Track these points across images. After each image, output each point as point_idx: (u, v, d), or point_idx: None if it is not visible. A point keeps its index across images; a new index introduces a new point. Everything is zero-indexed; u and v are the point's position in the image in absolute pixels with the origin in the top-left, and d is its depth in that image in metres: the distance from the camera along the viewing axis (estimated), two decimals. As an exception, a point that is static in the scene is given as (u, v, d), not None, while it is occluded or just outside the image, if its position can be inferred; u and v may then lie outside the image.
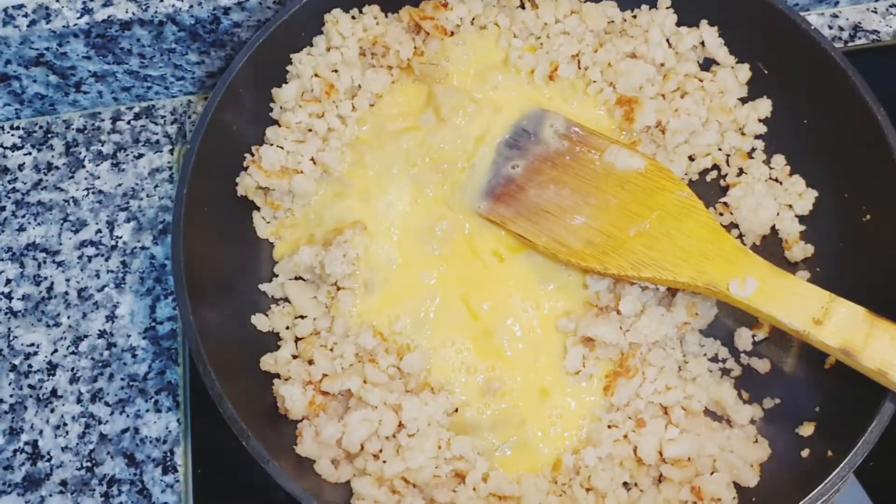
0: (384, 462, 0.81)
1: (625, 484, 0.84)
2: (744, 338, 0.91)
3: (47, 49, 1.01)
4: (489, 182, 0.94)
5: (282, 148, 0.95)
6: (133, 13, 0.99)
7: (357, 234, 0.91)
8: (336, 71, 0.98)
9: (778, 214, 0.96)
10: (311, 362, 0.86)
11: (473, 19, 1.03)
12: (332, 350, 0.87)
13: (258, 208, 0.96)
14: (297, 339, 0.90)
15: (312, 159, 0.95)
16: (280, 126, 0.96)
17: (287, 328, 0.90)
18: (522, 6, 1.03)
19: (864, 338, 0.76)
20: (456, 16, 1.01)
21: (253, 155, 0.93)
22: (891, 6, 1.20)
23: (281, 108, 0.97)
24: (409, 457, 0.81)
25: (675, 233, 0.87)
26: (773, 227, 0.96)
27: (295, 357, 0.88)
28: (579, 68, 1.00)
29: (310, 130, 0.96)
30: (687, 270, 0.84)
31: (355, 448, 0.82)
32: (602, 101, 0.99)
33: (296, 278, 0.93)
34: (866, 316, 0.78)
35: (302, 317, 0.91)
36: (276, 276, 0.94)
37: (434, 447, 0.82)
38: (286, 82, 0.98)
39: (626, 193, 0.90)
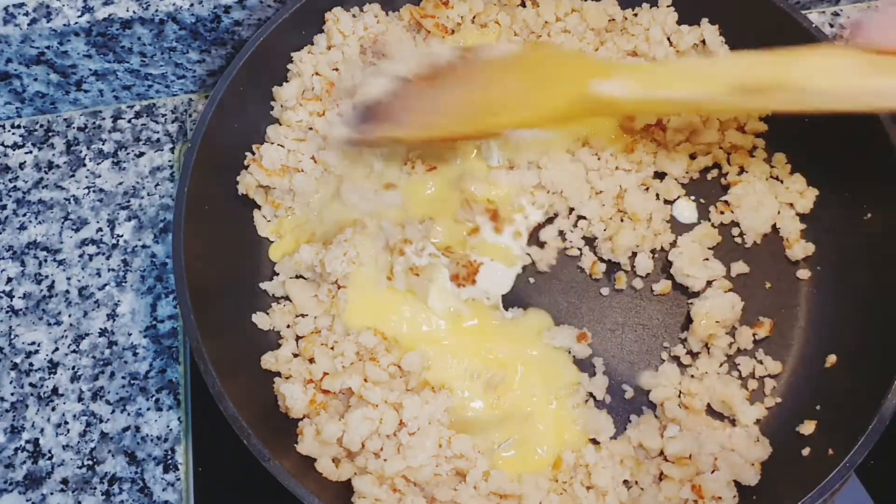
0: (385, 460, 0.81)
1: (625, 482, 0.85)
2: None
3: (48, 47, 1.01)
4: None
5: (282, 146, 0.95)
6: (134, 11, 0.99)
7: (358, 232, 0.91)
8: (336, 69, 0.98)
9: (779, 213, 0.96)
10: (311, 361, 0.86)
11: (474, 18, 1.02)
12: (332, 349, 0.87)
13: (259, 207, 0.96)
14: (297, 338, 0.90)
15: (313, 157, 0.95)
16: (281, 124, 0.96)
17: (288, 326, 0.90)
18: (523, 4, 1.03)
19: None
20: (457, 14, 1.01)
21: (254, 154, 0.94)
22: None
23: (282, 106, 0.97)
24: (409, 455, 0.81)
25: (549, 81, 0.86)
26: (773, 226, 0.96)
27: (296, 356, 0.88)
28: None
29: (310, 129, 0.96)
30: (558, 99, 0.84)
31: (356, 447, 0.82)
32: None
33: (296, 277, 0.93)
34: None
35: (303, 315, 0.91)
36: (277, 274, 0.94)
37: (435, 445, 0.82)
38: (287, 81, 0.98)
39: (506, 76, 0.88)
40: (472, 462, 0.83)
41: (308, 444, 0.82)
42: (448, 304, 0.90)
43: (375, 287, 0.90)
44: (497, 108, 0.85)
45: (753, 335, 0.91)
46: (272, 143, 0.95)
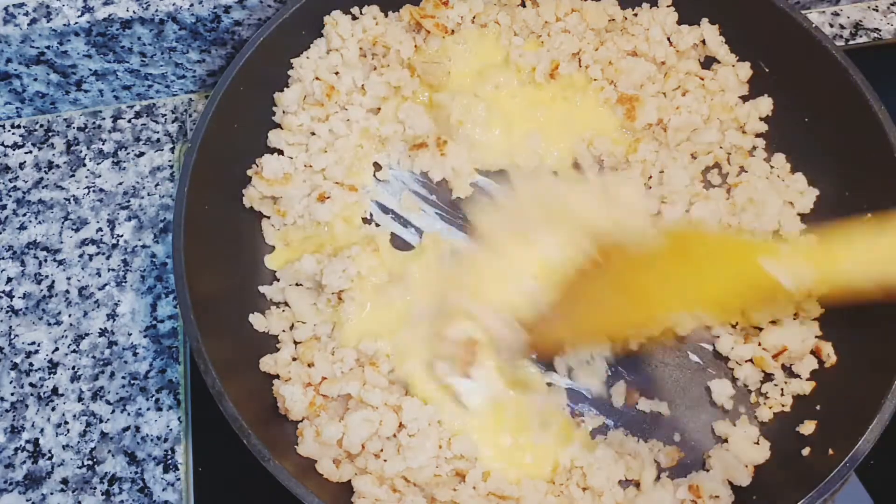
0: (385, 461, 0.81)
1: (621, 482, 0.84)
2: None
3: (48, 47, 1.01)
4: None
5: (283, 153, 0.95)
6: (134, 11, 0.99)
7: (365, 252, 0.91)
8: (337, 73, 0.98)
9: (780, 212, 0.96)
10: (310, 365, 0.86)
11: (474, 18, 1.03)
12: (332, 354, 0.87)
13: (266, 216, 0.96)
14: (295, 343, 0.90)
15: (315, 166, 0.95)
16: (282, 129, 0.96)
17: (284, 331, 0.90)
18: (523, 4, 1.03)
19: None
20: (457, 14, 1.01)
21: (256, 164, 0.94)
22: (892, 4, 1.20)
23: (283, 111, 0.97)
24: (409, 456, 0.81)
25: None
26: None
27: (294, 359, 0.88)
28: (580, 66, 1.00)
29: (312, 133, 0.96)
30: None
31: (356, 448, 0.82)
32: (604, 98, 1.00)
33: (296, 284, 0.93)
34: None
35: (301, 322, 0.91)
36: (277, 280, 0.94)
37: (435, 447, 0.82)
38: (287, 83, 0.98)
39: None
40: (472, 462, 0.83)
41: (308, 446, 0.82)
42: None
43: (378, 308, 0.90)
44: (656, 301, 0.79)
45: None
46: (273, 150, 0.95)
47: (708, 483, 0.82)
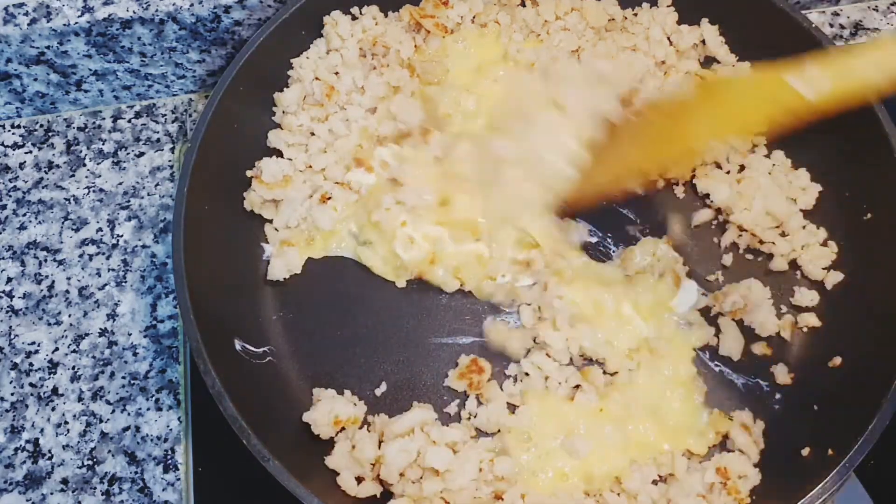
0: (421, 479, 0.81)
1: (654, 482, 0.84)
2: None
3: (48, 47, 1.01)
4: None
5: (282, 155, 0.95)
6: (134, 11, 0.99)
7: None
8: (337, 73, 0.98)
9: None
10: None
11: (474, 17, 1.03)
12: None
13: (270, 221, 0.96)
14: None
15: (315, 167, 0.95)
16: (282, 129, 0.96)
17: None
18: (523, 4, 1.03)
19: None
20: (457, 14, 1.01)
21: (255, 167, 0.94)
22: (892, 4, 1.20)
23: (283, 111, 0.97)
24: (449, 478, 0.79)
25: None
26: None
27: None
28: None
29: (312, 133, 0.96)
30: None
31: (394, 478, 0.80)
32: None
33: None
34: None
35: None
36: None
37: (475, 469, 0.81)
38: (287, 82, 0.98)
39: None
40: (512, 483, 0.82)
41: (337, 458, 0.82)
42: None
43: None
44: (690, 135, 0.87)
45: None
46: (272, 151, 0.95)
47: (735, 464, 0.82)
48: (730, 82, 0.95)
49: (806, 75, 0.77)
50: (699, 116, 0.86)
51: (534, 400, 0.87)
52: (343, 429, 0.85)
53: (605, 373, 0.88)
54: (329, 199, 0.93)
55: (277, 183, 0.93)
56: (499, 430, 0.86)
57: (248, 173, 0.94)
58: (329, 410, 0.84)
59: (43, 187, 1.06)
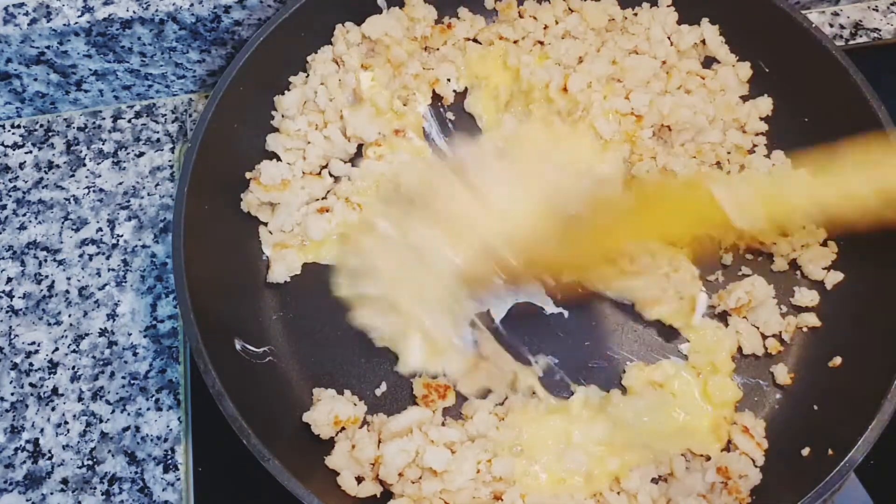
0: (420, 479, 0.81)
1: (653, 480, 0.84)
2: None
3: (48, 47, 1.01)
4: None
5: (280, 159, 0.95)
6: (134, 11, 0.99)
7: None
8: (339, 81, 0.98)
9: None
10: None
11: (476, 36, 1.03)
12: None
13: (265, 223, 0.96)
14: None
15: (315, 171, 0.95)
16: (280, 133, 0.96)
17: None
18: (520, 16, 1.04)
19: None
20: (460, 35, 1.02)
21: (254, 169, 0.94)
22: (892, 4, 1.20)
23: (282, 115, 0.97)
24: (448, 479, 0.79)
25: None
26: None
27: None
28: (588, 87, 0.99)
29: (308, 143, 0.96)
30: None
31: (393, 478, 0.80)
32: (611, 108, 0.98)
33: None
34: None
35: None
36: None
37: (473, 469, 0.81)
38: (286, 83, 0.98)
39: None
40: (511, 483, 0.81)
41: (337, 458, 0.82)
42: None
43: None
44: (618, 235, 0.88)
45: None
46: (271, 159, 0.95)
47: (735, 463, 0.82)
48: (663, 189, 0.94)
49: (735, 194, 0.76)
50: (626, 218, 0.87)
51: (519, 415, 0.86)
52: (343, 429, 0.85)
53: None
54: (327, 210, 0.93)
55: (275, 186, 0.93)
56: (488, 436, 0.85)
57: (248, 175, 0.94)
58: (329, 410, 0.84)
59: (43, 187, 1.06)
